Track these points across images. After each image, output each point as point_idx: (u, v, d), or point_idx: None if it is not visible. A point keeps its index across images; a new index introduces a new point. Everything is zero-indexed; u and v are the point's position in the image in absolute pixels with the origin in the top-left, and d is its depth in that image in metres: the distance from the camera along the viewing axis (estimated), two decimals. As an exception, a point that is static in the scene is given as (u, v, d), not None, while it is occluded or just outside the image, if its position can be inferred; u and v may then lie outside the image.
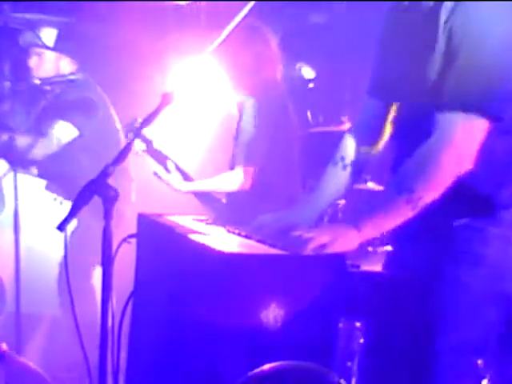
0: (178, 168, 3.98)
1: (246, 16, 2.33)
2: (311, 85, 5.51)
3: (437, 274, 2.25)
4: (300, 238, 2.08)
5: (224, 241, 2.26)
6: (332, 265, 1.97)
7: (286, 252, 2.03)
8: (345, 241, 2.13)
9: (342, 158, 2.63)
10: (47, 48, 4.61)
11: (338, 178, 2.63)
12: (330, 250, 2.08)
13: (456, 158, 2.16)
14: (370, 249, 4.48)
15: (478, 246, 2.25)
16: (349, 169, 2.63)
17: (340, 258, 1.99)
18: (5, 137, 4.12)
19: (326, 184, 2.64)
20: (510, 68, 2.15)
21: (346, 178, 2.64)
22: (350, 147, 2.65)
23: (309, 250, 2.04)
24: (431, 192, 2.19)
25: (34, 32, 4.62)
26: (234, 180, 3.82)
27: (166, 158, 4.02)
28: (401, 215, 2.21)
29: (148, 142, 4.17)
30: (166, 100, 2.38)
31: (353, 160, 2.62)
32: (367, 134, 2.63)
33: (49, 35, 4.68)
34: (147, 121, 2.37)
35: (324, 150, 5.23)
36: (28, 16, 4.98)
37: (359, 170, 2.65)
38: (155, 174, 3.87)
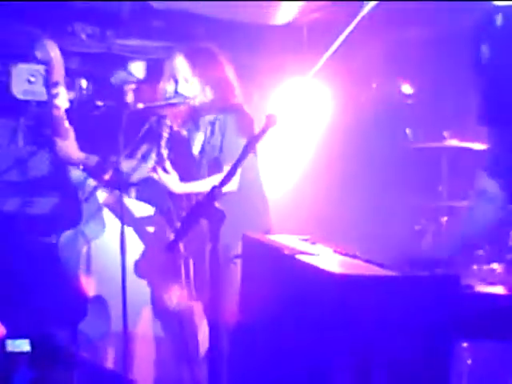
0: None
1: (347, 37, 2.33)
2: (410, 101, 5.45)
3: None
4: None
5: (332, 261, 2.24)
6: (445, 285, 1.92)
7: (395, 272, 2.00)
8: None
9: (483, 192, 2.56)
10: (139, 82, 4.73)
11: (483, 212, 2.56)
12: None
13: None
14: (474, 267, 4.39)
15: None
16: (493, 202, 2.55)
17: (454, 278, 1.95)
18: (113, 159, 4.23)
19: (471, 217, 2.57)
20: None
21: (491, 213, 2.56)
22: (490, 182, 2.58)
23: None
24: None
25: (125, 69, 4.75)
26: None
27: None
28: None
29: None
30: (270, 122, 2.39)
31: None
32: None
33: (138, 68, 4.81)
34: (253, 142, 2.39)
35: (425, 166, 5.19)
36: (130, 42, 5.11)
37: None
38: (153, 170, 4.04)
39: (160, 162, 4.07)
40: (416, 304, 1.85)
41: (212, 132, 4.06)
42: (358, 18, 2.34)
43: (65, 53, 4.62)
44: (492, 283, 2.48)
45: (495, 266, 4.24)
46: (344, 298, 1.83)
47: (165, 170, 4.01)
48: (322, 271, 1.94)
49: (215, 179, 3.91)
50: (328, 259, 2.27)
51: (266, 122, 2.41)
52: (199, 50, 4.15)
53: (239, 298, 2.99)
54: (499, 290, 2.37)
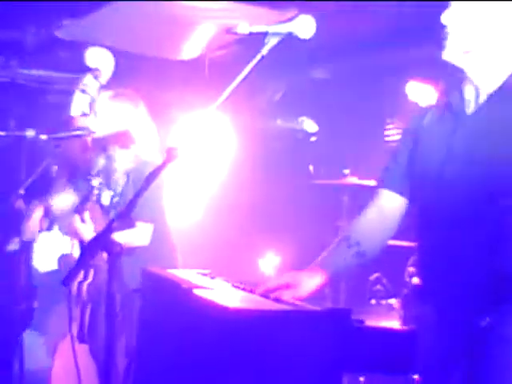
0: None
1: (251, 71, 2.36)
2: (313, 138, 5.58)
3: None
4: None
5: (229, 296, 2.26)
6: (337, 320, 1.96)
7: (291, 307, 2.03)
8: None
9: (358, 244, 2.50)
10: None
11: (347, 262, 2.50)
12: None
13: None
14: (373, 302, 4.49)
15: None
16: (361, 259, 2.50)
17: (345, 313, 1.99)
18: None
19: (332, 262, 2.49)
20: None
21: (355, 265, 2.52)
22: (366, 233, 2.55)
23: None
24: None
25: None
26: (141, 235, 3.92)
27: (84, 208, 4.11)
28: None
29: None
30: (170, 155, 2.39)
31: (368, 250, 2.52)
32: (383, 222, 2.57)
33: None
34: (154, 175, 2.38)
35: (325, 202, 5.30)
36: (35, 72, 5.05)
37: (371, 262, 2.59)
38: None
39: (80, 210, 4.03)
40: (307, 338, 1.88)
41: (125, 184, 4.03)
42: (259, 56, 2.38)
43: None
44: (388, 318, 2.55)
45: (393, 301, 4.36)
46: (235, 332, 1.84)
47: (82, 220, 3.98)
48: (216, 305, 1.96)
49: (126, 234, 3.90)
50: (225, 293, 2.29)
51: (166, 155, 2.41)
52: (123, 93, 4.17)
53: (137, 333, 2.97)
54: (394, 324, 2.44)
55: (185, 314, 2.27)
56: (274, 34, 2.38)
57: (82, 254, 2.38)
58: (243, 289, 2.39)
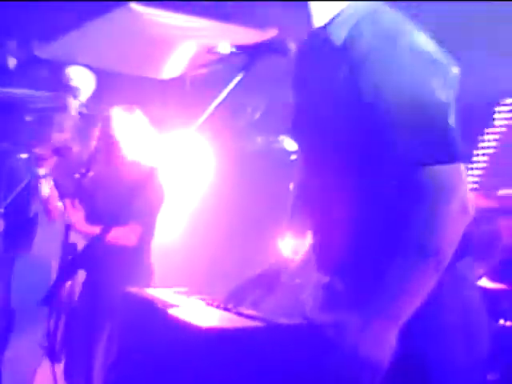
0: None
1: (231, 91, 2.38)
2: (294, 157, 5.60)
3: None
4: None
5: (202, 315, 2.26)
6: (312, 334, 1.96)
7: (263, 323, 2.03)
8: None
9: None
10: None
11: None
12: None
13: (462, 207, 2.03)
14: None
15: None
16: None
17: (319, 328, 1.99)
18: None
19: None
20: None
21: None
22: None
23: None
24: (451, 248, 2.02)
25: None
26: (126, 235, 3.94)
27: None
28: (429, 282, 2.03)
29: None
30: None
31: None
32: None
33: None
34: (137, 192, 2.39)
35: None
36: (16, 91, 5.06)
37: None
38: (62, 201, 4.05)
39: (72, 195, 4.04)
40: (282, 354, 1.88)
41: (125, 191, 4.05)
42: (239, 75, 2.40)
43: None
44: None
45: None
46: (209, 350, 1.84)
47: (73, 205, 3.98)
48: (190, 324, 1.96)
49: (114, 231, 3.88)
50: (199, 312, 2.28)
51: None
52: (129, 107, 4.23)
53: (115, 353, 2.96)
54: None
55: (160, 334, 2.26)
56: (255, 54, 2.41)
57: (63, 271, 2.37)
58: (217, 306, 2.39)
